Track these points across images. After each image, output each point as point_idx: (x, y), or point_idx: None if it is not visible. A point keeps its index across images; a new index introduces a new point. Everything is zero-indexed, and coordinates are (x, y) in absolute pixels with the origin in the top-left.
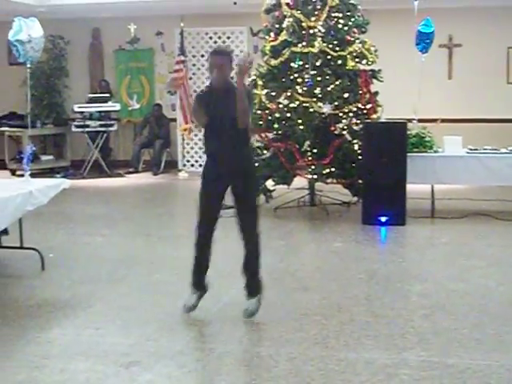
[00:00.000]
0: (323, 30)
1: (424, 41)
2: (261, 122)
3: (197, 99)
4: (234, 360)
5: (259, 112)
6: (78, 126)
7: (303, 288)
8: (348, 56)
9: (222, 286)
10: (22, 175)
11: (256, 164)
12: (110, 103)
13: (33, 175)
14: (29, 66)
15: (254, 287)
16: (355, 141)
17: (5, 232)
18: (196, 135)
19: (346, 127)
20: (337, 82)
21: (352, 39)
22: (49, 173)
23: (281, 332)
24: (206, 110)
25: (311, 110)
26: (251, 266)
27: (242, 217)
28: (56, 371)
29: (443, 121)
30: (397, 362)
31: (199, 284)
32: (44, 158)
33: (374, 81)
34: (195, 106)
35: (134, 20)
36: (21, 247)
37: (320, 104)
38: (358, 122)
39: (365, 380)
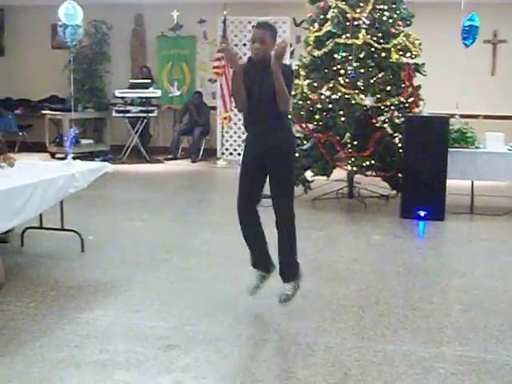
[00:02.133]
0: (368, 22)
1: (474, 35)
2: (302, 113)
3: (235, 71)
4: (270, 347)
5: (301, 102)
6: (118, 111)
7: (341, 279)
8: (392, 49)
9: None
10: (62, 158)
11: (295, 147)
12: (151, 89)
13: (74, 159)
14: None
15: (287, 272)
16: (396, 134)
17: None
18: (235, 124)
19: (387, 120)
20: (380, 75)
21: (396, 32)
22: (88, 156)
23: (318, 322)
24: (244, 83)
25: (353, 101)
26: (284, 248)
27: (274, 197)
28: (96, 351)
29: (485, 117)
30: (434, 356)
31: (256, 262)
32: (84, 141)
33: (417, 74)
34: (233, 77)
35: (177, 7)
36: (61, 229)
37: (362, 96)
38: (400, 115)
39: (402, 372)
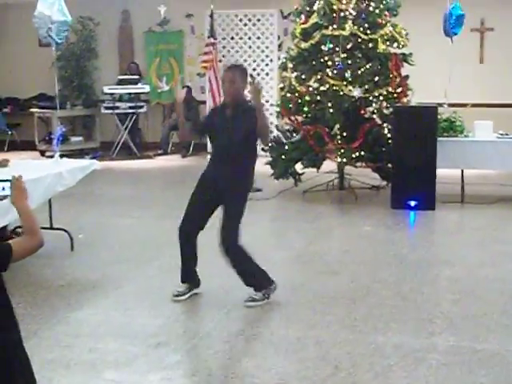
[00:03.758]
0: (354, 13)
1: (461, 24)
2: (290, 105)
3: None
4: (261, 342)
5: (289, 95)
6: (107, 108)
7: (332, 271)
8: (379, 39)
9: None
10: (52, 156)
11: (249, 188)
12: (139, 85)
13: (62, 156)
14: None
15: (250, 286)
16: (385, 125)
17: None
18: None
19: (376, 111)
20: (367, 66)
21: (383, 22)
22: (78, 154)
23: (309, 315)
24: (210, 122)
25: (341, 93)
26: (236, 271)
27: (221, 228)
28: (85, 351)
29: (474, 105)
30: (425, 347)
31: (185, 277)
32: (73, 139)
33: (405, 64)
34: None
35: (163, 2)
36: (50, 228)
37: (350, 87)
38: (388, 105)
39: (393, 364)
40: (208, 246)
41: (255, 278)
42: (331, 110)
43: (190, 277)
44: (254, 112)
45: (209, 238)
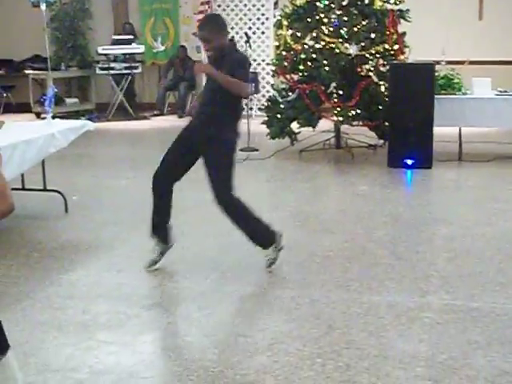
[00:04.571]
0: None
1: None
2: (286, 64)
3: None
4: (255, 302)
5: (284, 53)
6: (102, 69)
7: (327, 230)
8: None
9: None
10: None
11: (232, 139)
12: (134, 45)
13: (55, 118)
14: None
15: (258, 244)
16: (382, 82)
17: None
18: None
19: (372, 68)
20: (363, 22)
21: None
22: (74, 116)
23: (303, 274)
24: None
25: (337, 50)
26: (240, 229)
27: (209, 185)
28: (78, 312)
29: (472, 62)
30: (420, 306)
31: (156, 232)
32: (69, 101)
33: (402, 21)
34: None
35: None
36: (44, 189)
37: (346, 45)
38: (385, 63)
39: (387, 323)
40: (202, 203)
41: (260, 234)
42: (327, 68)
43: (160, 229)
44: (233, 57)
45: (202, 193)
